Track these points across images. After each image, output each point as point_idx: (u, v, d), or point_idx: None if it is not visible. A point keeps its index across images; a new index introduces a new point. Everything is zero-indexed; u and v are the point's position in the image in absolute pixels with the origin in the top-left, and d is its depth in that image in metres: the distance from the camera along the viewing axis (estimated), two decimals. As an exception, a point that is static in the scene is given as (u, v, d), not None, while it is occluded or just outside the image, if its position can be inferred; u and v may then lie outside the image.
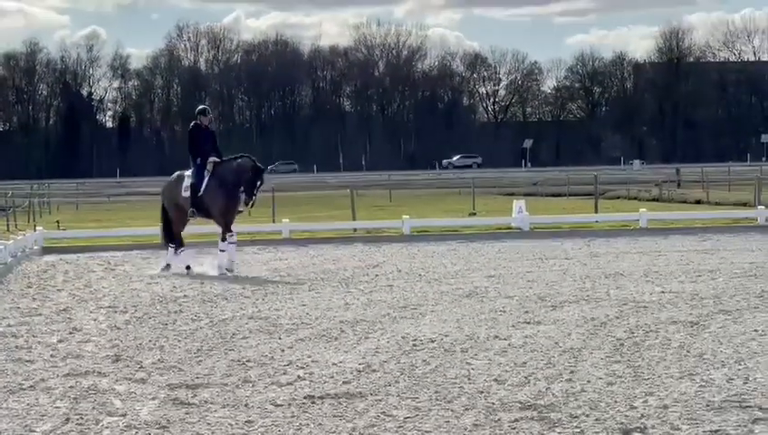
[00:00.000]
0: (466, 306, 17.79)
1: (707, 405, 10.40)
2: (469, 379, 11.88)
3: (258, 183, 24.62)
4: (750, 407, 10.28)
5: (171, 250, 25.37)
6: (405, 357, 13.27)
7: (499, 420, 10.06)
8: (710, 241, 30.11)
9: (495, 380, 11.79)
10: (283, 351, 13.89)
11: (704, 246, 28.72)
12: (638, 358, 12.90)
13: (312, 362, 13.11)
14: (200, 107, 26.33)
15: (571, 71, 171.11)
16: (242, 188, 24.54)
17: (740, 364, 12.34)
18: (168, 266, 24.97)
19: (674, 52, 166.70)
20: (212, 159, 24.84)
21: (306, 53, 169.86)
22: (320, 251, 29.55)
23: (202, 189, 24.71)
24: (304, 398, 11.11)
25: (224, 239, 24.45)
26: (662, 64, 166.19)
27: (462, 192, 62.25)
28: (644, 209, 38.01)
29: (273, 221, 38.36)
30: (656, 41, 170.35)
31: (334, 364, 12.91)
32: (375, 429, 9.90)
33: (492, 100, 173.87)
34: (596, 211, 41.60)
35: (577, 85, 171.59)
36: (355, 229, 36.19)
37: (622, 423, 9.80)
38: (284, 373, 12.42)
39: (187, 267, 24.60)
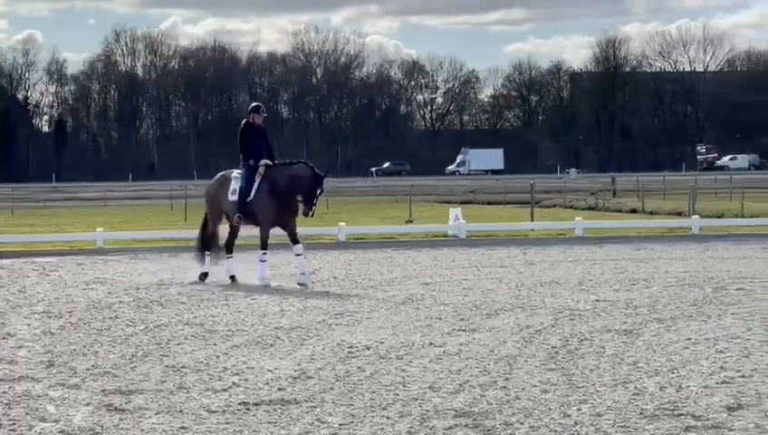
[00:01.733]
0: (402, 313, 17.81)
1: (640, 413, 10.46)
2: (404, 386, 11.89)
3: (318, 191, 22.93)
4: (682, 415, 10.35)
5: (209, 259, 23.65)
6: (340, 364, 13.27)
7: (433, 427, 10.07)
8: (645, 250, 30.28)
9: (430, 387, 11.80)
10: (218, 357, 13.85)
11: (639, 255, 28.88)
12: (573, 366, 12.96)
13: (248, 368, 13.08)
14: (254, 104, 24.57)
15: (509, 79, 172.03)
16: (299, 197, 22.82)
17: (673, 372, 12.43)
18: (205, 275, 23.40)
19: (610, 61, 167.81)
20: (264, 161, 22.95)
21: (244, 60, 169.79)
22: (257, 257, 29.36)
23: (252, 194, 22.85)
24: (239, 404, 11.08)
25: (263, 249, 22.89)
26: (598, 74, 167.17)
27: (399, 199, 62.34)
28: (579, 218, 38.24)
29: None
30: (592, 50, 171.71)
31: (269, 371, 12.88)
32: (309, 435, 9.91)
33: (429, 107, 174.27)
34: (532, 219, 41.80)
35: (514, 94, 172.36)
36: (292, 236, 36.10)
37: (556, 431, 9.85)
38: (219, 380, 12.39)
39: (232, 277, 23.21)
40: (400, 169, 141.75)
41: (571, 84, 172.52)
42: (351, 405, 11.00)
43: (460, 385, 11.88)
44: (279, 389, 11.86)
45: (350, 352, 14.07)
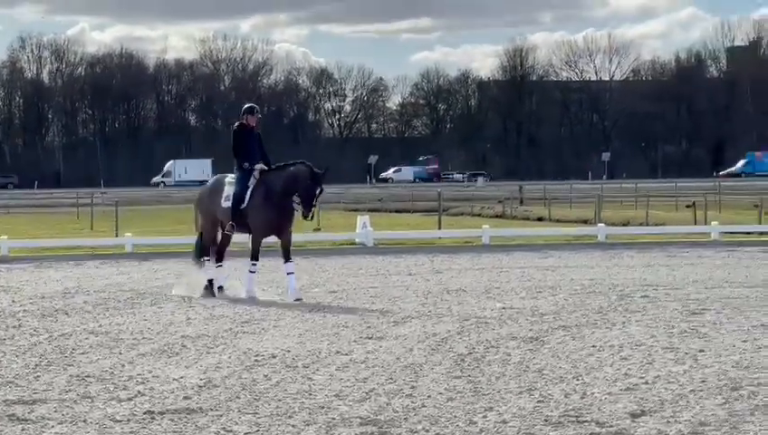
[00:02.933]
0: (309, 322, 17.79)
1: (545, 420, 10.51)
2: (310, 394, 11.87)
3: (318, 191, 21.68)
4: (586, 422, 10.42)
5: (209, 264, 22.44)
6: (246, 372, 13.22)
7: (339, 434, 10.09)
8: (551, 258, 30.49)
9: (336, 395, 11.79)
10: (123, 366, 13.75)
11: (545, 262, 29.07)
12: (479, 373, 13.00)
13: (153, 377, 12.99)
14: (247, 105, 22.92)
15: (417, 87, 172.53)
16: (297, 199, 21.60)
17: (578, 380, 12.50)
18: (211, 283, 22.08)
19: (517, 70, 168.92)
20: (259, 166, 21.73)
21: (151, 67, 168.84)
22: (163, 265, 29.31)
23: (246, 201, 21.60)
24: (144, 414, 11.00)
25: (253, 259, 21.69)
26: (506, 82, 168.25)
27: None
28: (487, 226, 38.37)
29: (117, 235, 37.87)
30: (500, 59, 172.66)
31: (175, 380, 12.81)
32: (215, 444, 9.86)
33: (338, 116, 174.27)
34: (439, 227, 41.87)
35: (422, 102, 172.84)
36: (199, 244, 35.96)
37: (461, 438, 9.88)
38: (124, 389, 12.29)
39: (220, 288, 22.03)
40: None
41: (478, 93, 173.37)
42: (257, 414, 10.97)
43: (366, 393, 11.88)
44: (185, 398, 11.80)
45: (256, 361, 14.02)
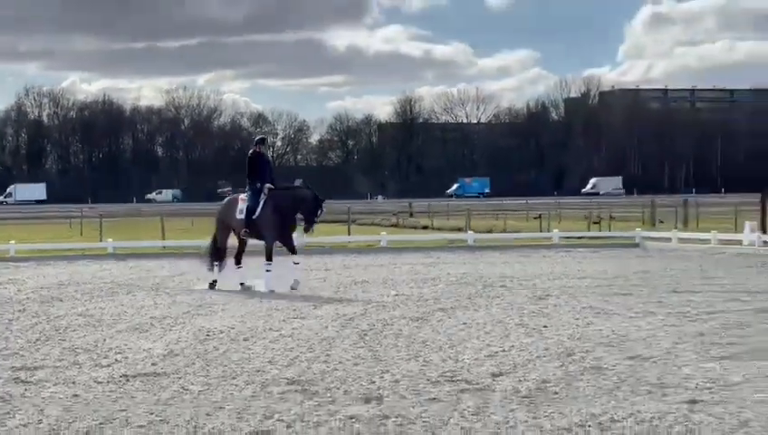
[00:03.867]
0: (249, 305, 17.70)
1: (427, 380, 10.53)
2: (249, 361, 11.80)
3: (319, 211, 21.10)
4: (459, 380, 10.45)
5: (217, 268, 21.57)
6: (200, 345, 13.11)
7: (271, 392, 10.01)
8: (432, 257, 30.56)
9: (269, 362, 11.73)
10: (104, 340, 13.57)
11: (428, 260, 29.12)
12: (378, 345, 12.99)
13: (128, 348, 12.84)
14: (259, 136, 22.33)
15: (331, 128, 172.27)
16: (301, 217, 21.12)
17: (452, 349, 12.54)
18: (214, 283, 21.25)
19: (407, 115, 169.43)
20: (268, 185, 20.98)
21: (128, 111, 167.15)
22: (137, 263, 29.00)
23: (257, 213, 20.93)
24: (120, 376, 10.88)
25: (268, 260, 20.79)
26: (399, 124, 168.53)
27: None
28: (384, 233, 38.36)
29: (101, 240, 37.37)
30: (394, 106, 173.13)
31: (144, 350, 12.67)
32: (175, 400, 9.75)
33: (271, 149, 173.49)
34: (349, 234, 41.83)
35: (335, 139, 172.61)
36: (164, 247, 35.66)
37: (364, 394, 9.87)
38: (105, 357, 12.15)
39: (242, 284, 21.03)
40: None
41: (378, 132, 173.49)
42: (208, 376, 10.88)
43: (292, 360, 11.83)
44: (152, 364, 11.68)
45: (207, 336, 13.92)
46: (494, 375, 10.67)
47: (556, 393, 9.72)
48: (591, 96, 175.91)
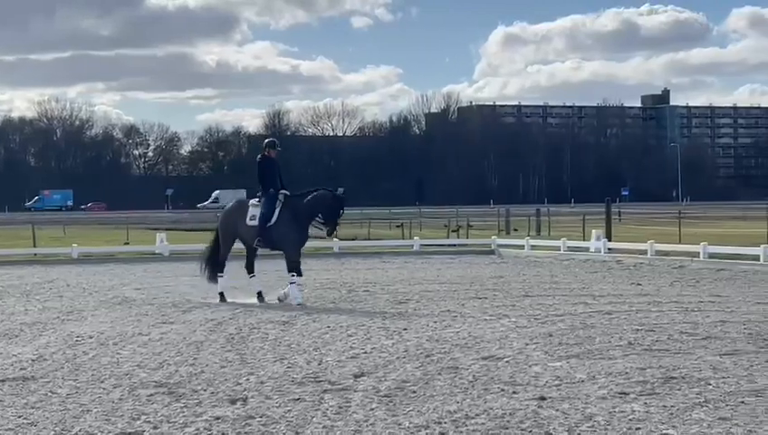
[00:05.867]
0: (119, 311, 17.38)
1: (292, 381, 10.49)
2: (118, 365, 11.59)
3: (341, 212, 19.09)
4: (322, 381, 10.43)
5: (222, 280, 19.48)
6: (69, 349, 12.83)
7: (139, 395, 9.84)
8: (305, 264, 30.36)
9: (138, 365, 11.53)
10: (-27, 346, 13.18)
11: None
12: (245, 348, 12.90)
13: (-3, 354, 12.50)
14: (269, 139, 20.12)
15: (202, 139, 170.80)
16: (321, 218, 18.91)
17: (316, 351, 12.52)
18: (223, 295, 19.13)
19: (276, 127, 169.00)
20: (284, 191, 19.06)
21: (0, 122, 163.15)
22: (6, 271, 28.22)
23: (273, 220, 18.86)
24: (-11, 382, 10.57)
25: (292, 271, 18.72)
26: (268, 136, 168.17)
27: (119, 227, 60.71)
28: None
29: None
30: (263, 119, 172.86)
31: (14, 355, 12.35)
32: (43, 403, 9.51)
33: (143, 159, 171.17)
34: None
35: (206, 150, 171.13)
36: (35, 254, 34.84)
37: (230, 395, 9.77)
38: (-26, 363, 11.79)
39: (259, 293, 19.01)
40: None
41: (248, 143, 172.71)
42: (77, 380, 10.65)
43: (160, 364, 11.66)
44: (21, 368, 11.38)
45: (77, 341, 13.63)
46: (355, 376, 10.68)
47: (414, 392, 9.78)
48: (451, 111, 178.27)
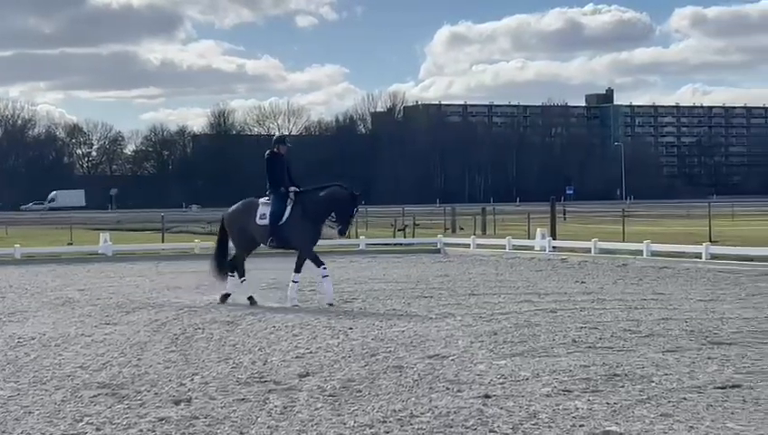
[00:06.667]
0: (61, 312, 17.20)
1: (237, 381, 10.46)
2: (60, 366, 11.47)
3: (355, 210, 18.54)
4: (267, 381, 10.41)
5: (232, 279, 18.77)
6: (11, 351, 12.68)
7: (82, 396, 9.75)
8: (246, 263, 30.22)
9: (80, 366, 11.43)
10: None
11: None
12: (189, 348, 12.83)
13: (-64, 356, 12.31)
14: (279, 135, 19.64)
15: (146, 139, 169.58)
16: (333, 217, 18.20)
17: (261, 351, 12.48)
18: (227, 296, 18.58)
19: (221, 127, 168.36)
20: (293, 188, 18.39)
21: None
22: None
23: (284, 218, 18.27)
24: (-72, 384, 10.41)
25: (319, 266, 18.13)
26: (213, 135, 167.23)
27: (63, 227, 60.15)
28: (198, 240, 37.91)
29: None
30: (208, 118, 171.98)
31: (-46, 358, 12.18)
32: (-16, 406, 9.40)
33: (87, 159, 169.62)
34: (163, 241, 41.20)
35: (150, 149, 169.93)
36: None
37: (174, 396, 9.71)
38: None
39: (250, 298, 18.26)
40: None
41: (193, 143, 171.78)
42: (18, 382, 10.53)
43: (103, 365, 11.56)
44: (-39, 371, 11.23)
45: (19, 342, 13.47)
46: (301, 375, 10.66)
47: (360, 391, 9.78)
48: (397, 110, 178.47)
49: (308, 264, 18.50)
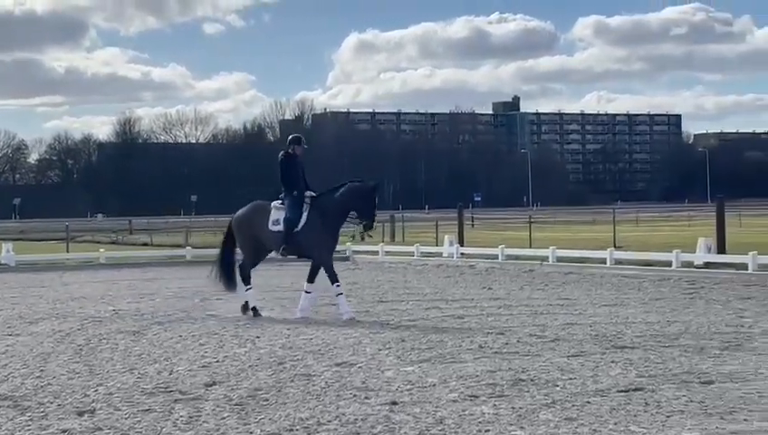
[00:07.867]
0: (-39, 324, 16.83)
1: (142, 391, 10.33)
2: (-41, 379, 11.22)
3: (376, 201, 16.95)
4: (173, 391, 10.30)
5: (251, 292, 17.60)
6: None
7: (-18, 409, 9.57)
8: (152, 272, 30.09)
9: (-19, 379, 11.20)
10: None
11: (146, 275, 28.65)
12: (93, 359, 12.65)
13: None
14: (295, 135, 17.94)
15: (50, 147, 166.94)
16: (355, 215, 16.98)
17: (167, 361, 12.36)
18: (247, 305, 17.44)
19: (127, 135, 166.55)
20: (309, 193, 17.13)
21: None
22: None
23: (300, 225, 16.98)
24: None
25: (334, 282, 16.91)
26: (119, 143, 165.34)
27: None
28: (103, 249, 37.49)
29: None
30: (113, 126, 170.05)
31: None
32: None
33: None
34: (68, 251, 40.57)
35: (54, 158, 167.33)
36: None
37: (78, 407, 9.56)
38: None
39: (254, 309, 17.30)
40: None
41: (98, 151, 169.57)
42: None
43: (5, 376, 11.34)
44: None
45: None
46: (207, 385, 10.58)
47: (267, 400, 9.74)
48: (305, 118, 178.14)
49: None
